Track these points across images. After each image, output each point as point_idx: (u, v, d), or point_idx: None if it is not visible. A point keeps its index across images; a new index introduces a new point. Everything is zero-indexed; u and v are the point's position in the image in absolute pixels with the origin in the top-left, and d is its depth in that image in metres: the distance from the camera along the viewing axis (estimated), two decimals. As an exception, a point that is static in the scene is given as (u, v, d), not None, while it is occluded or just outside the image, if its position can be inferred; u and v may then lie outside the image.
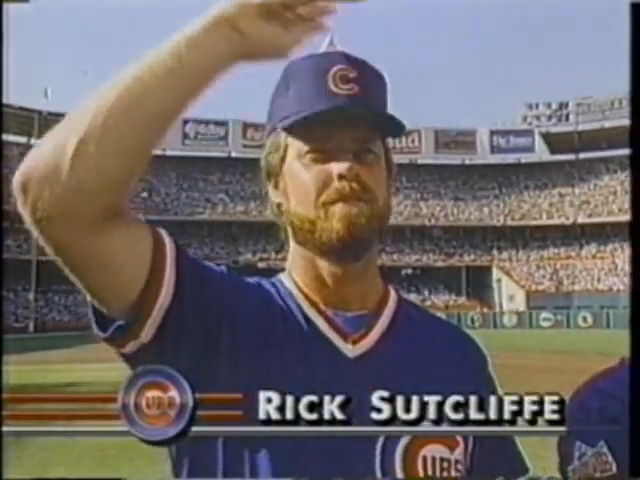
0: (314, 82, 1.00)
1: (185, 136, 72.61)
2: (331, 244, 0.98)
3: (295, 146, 1.02)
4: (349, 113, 0.98)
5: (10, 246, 61.10)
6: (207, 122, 75.14)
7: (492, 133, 71.63)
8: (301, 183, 1.00)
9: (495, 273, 61.03)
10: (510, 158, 71.49)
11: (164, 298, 0.94)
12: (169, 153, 72.19)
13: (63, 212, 0.86)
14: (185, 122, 73.73)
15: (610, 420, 1.06)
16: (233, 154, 71.63)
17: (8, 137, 68.24)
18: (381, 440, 0.96)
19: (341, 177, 0.97)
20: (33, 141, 65.84)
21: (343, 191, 0.97)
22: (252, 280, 1.08)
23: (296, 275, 1.06)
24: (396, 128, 1.02)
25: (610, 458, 1.04)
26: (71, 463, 7.12)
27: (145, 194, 69.56)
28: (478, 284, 61.21)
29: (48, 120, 66.11)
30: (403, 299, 1.12)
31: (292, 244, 1.06)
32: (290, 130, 1.01)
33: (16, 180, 0.87)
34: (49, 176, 0.84)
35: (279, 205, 1.05)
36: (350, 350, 1.01)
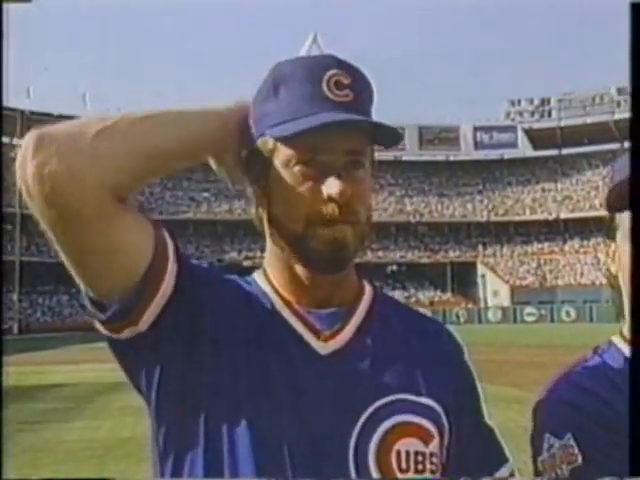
0: (307, 86, 0.97)
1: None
2: (312, 261, 0.98)
3: (284, 153, 0.98)
4: (346, 124, 0.94)
5: (-8, 247, 60.50)
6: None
7: (475, 129, 71.95)
8: (289, 197, 0.97)
9: (479, 269, 61.33)
10: (493, 154, 71.87)
11: (167, 284, 0.94)
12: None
13: (73, 173, 0.87)
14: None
15: (580, 412, 1.06)
16: (217, 152, 70.99)
17: (-11, 137, 67.81)
18: (354, 435, 0.95)
19: (331, 199, 0.95)
20: (16, 141, 65.34)
21: (332, 214, 0.95)
22: (232, 278, 1.07)
23: (271, 274, 1.05)
24: (392, 138, 1.00)
25: (576, 450, 1.04)
26: (57, 464, 7.09)
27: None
28: (463, 280, 61.48)
29: (31, 120, 65.63)
30: (379, 294, 1.11)
31: (270, 244, 1.05)
32: (283, 139, 0.97)
33: (31, 135, 0.88)
34: (68, 140, 0.88)
35: (260, 205, 1.04)
36: (322, 347, 1.00)
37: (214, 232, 63.39)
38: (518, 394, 10.17)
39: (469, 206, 68.66)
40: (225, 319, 0.99)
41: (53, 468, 6.88)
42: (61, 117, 67.28)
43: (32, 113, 65.97)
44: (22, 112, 65.13)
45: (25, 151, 0.88)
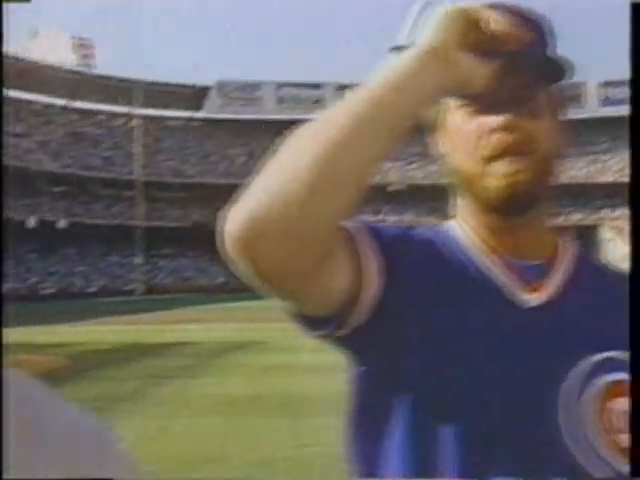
0: None
1: (280, 100, 72.91)
2: (489, 202, 0.96)
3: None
4: (510, 59, 0.92)
5: (116, 213, 63.66)
6: (302, 85, 75.16)
7: (602, 85, 68.08)
8: (462, 136, 0.97)
9: (605, 232, 58.43)
10: (623, 110, 67.69)
11: (372, 289, 0.92)
12: (265, 117, 72.85)
13: (295, 264, 0.82)
14: (281, 86, 74.15)
15: None
16: (329, 117, 71.12)
17: (111, 107, 70.80)
18: (564, 393, 0.92)
19: (499, 129, 0.93)
20: (137, 111, 67.88)
21: (501, 144, 0.93)
22: (422, 235, 1.03)
23: (465, 223, 1.03)
24: (559, 72, 0.95)
25: None
26: (188, 417, 7.05)
27: (244, 158, 70.56)
28: (587, 244, 58.63)
29: (150, 90, 67.91)
30: (581, 250, 1.06)
31: (458, 195, 1.03)
32: None
33: (236, 238, 0.80)
34: (276, 231, 0.79)
35: (444, 157, 1.02)
36: (529, 299, 0.97)
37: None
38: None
39: (594, 167, 65.33)
40: (422, 279, 0.98)
41: (185, 421, 6.89)
42: (179, 87, 69.48)
43: (151, 83, 68.14)
44: (140, 82, 67.38)
45: (237, 253, 0.81)
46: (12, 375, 0.73)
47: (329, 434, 6.43)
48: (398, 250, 0.96)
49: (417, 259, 0.98)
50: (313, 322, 0.92)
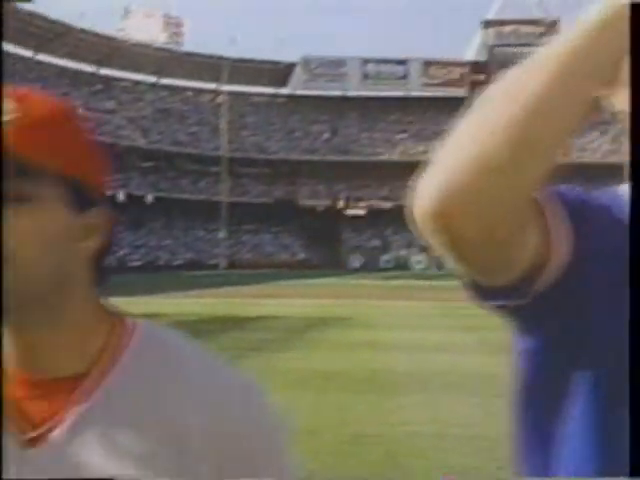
0: None
1: (365, 76, 72.32)
2: None
3: None
4: None
5: (202, 188, 64.94)
6: (387, 61, 74.29)
7: None
8: None
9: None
10: None
11: (560, 257, 0.87)
12: (350, 94, 72.46)
13: (492, 234, 0.78)
14: (366, 62, 73.50)
15: None
16: (413, 93, 70.28)
17: (198, 84, 72.01)
18: None
19: None
20: (224, 87, 68.79)
21: None
22: (600, 199, 0.96)
23: None
24: None
25: None
26: (275, 392, 7.04)
27: (327, 135, 70.56)
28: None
29: (235, 67, 68.69)
30: None
31: None
32: None
33: (430, 213, 0.76)
34: (472, 201, 0.76)
35: (619, 115, 0.94)
36: None
37: (409, 174, 62.42)
38: None
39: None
40: (607, 246, 0.93)
41: (273, 394, 6.76)
42: (265, 63, 69.97)
43: (237, 60, 68.84)
44: (226, 59, 68.17)
45: (430, 223, 0.77)
46: (155, 327, 0.74)
47: (416, 413, 6.44)
48: (585, 216, 0.91)
49: (601, 225, 0.93)
50: (493, 292, 0.87)
